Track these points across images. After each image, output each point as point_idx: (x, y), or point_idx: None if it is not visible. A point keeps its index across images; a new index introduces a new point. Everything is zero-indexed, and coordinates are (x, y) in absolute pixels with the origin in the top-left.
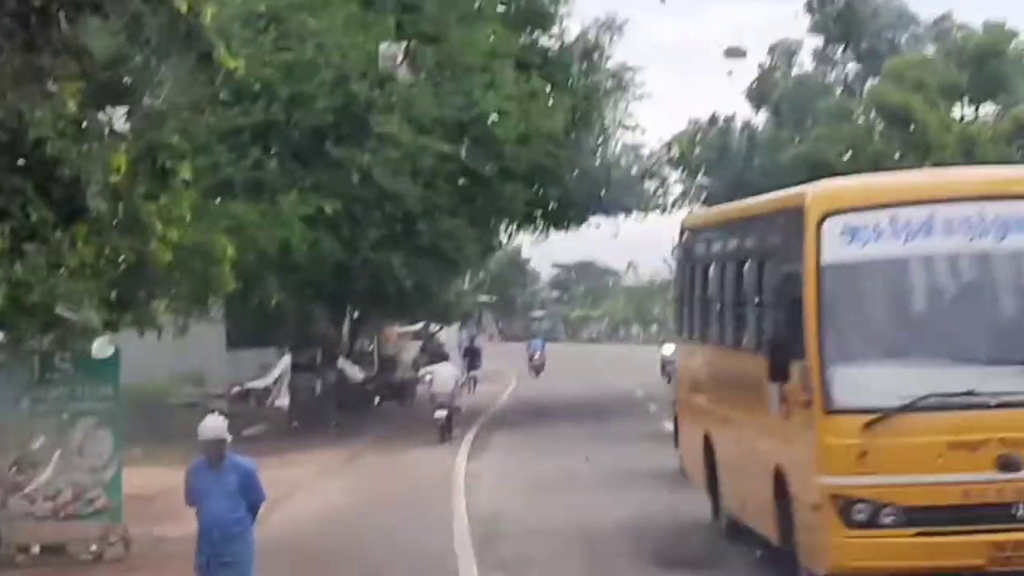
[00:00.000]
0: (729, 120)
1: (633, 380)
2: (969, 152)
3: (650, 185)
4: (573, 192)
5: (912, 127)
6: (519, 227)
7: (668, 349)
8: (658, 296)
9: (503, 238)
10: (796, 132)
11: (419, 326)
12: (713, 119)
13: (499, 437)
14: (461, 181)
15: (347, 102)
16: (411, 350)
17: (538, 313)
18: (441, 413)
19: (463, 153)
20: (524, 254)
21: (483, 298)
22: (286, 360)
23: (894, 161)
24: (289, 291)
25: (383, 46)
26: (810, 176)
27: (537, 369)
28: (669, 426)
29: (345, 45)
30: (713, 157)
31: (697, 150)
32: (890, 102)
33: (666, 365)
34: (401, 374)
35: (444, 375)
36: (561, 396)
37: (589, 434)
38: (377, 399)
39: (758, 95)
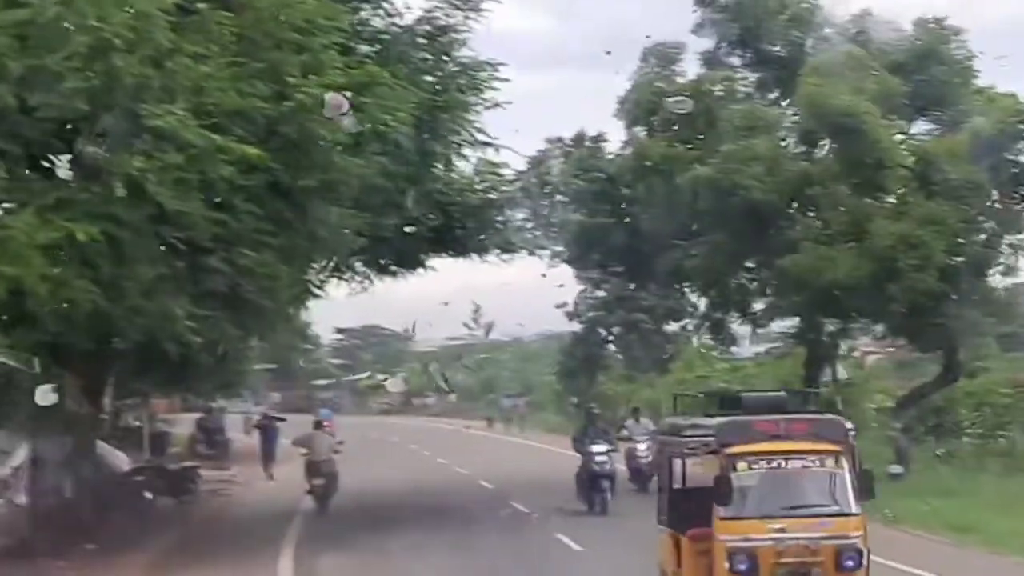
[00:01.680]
0: (598, 138)
1: (465, 464)
2: (924, 175)
3: (511, 217)
4: (416, 222)
5: (857, 140)
6: (337, 268)
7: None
8: (455, 361)
9: (316, 281)
10: (692, 149)
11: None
12: (579, 137)
13: (331, 563)
14: (270, 200)
15: (108, 83)
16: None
17: (323, 382)
18: (318, 482)
19: (273, 160)
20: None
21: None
22: (27, 449)
23: (825, 185)
24: (21, 353)
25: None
26: (716, 201)
27: None
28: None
29: (105, 2)
30: (586, 182)
31: (557, 174)
32: (832, 107)
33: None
34: (179, 459)
35: (321, 443)
36: (389, 488)
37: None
38: (150, 494)
39: (632, 111)
